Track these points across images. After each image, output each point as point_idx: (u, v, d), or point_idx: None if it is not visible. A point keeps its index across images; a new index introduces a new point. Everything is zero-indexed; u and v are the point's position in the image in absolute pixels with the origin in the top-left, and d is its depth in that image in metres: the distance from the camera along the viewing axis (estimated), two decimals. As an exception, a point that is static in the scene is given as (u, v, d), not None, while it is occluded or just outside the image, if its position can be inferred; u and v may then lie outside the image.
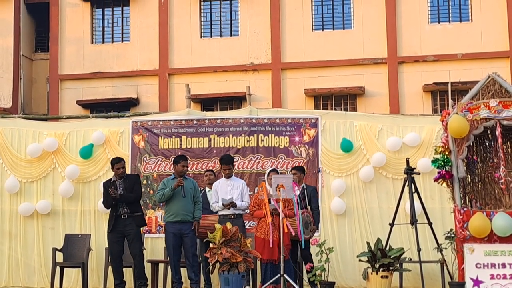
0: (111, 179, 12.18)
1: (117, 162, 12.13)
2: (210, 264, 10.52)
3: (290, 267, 11.13)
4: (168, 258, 11.90)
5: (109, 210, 12.12)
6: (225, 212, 11.84)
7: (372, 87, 22.40)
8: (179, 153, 13.61)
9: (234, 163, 12.52)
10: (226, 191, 11.93)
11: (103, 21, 24.48)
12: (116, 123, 14.54)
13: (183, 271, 11.93)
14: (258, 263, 12.07)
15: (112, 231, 11.85)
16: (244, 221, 12.27)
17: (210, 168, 13.52)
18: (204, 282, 11.99)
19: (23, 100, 24.17)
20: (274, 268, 11.16)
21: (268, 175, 11.83)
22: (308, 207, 12.00)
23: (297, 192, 12.05)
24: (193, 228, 11.47)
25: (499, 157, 10.29)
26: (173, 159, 12.21)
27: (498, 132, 10.10)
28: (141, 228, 12.32)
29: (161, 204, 12.61)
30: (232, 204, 11.75)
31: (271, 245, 10.94)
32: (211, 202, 12.08)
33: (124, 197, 11.82)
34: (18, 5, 24.38)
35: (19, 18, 24.43)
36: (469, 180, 10.62)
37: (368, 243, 11.02)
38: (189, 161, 12.31)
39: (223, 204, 11.77)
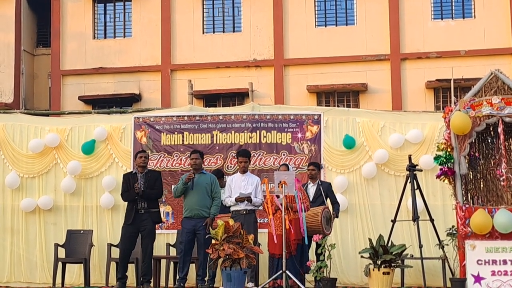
0: (132, 171, 12.21)
1: (139, 152, 12.27)
2: (212, 260, 10.52)
3: (293, 263, 11.15)
4: (178, 253, 11.91)
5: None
6: (238, 207, 11.86)
7: (375, 83, 22.39)
8: (182, 149, 13.67)
9: (251, 158, 12.53)
10: (240, 187, 11.93)
11: (105, 16, 24.47)
12: (118, 119, 14.54)
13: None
14: (261, 258, 12.11)
15: (130, 224, 11.85)
16: (257, 218, 12.26)
17: (213, 164, 13.55)
18: (208, 277, 12.02)
19: (25, 96, 24.17)
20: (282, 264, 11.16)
21: (279, 169, 11.91)
22: (327, 202, 12.09)
23: (313, 189, 12.15)
24: (204, 224, 11.48)
25: (501, 154, 10.28)
26: None
27: (500, 129, 10.08)
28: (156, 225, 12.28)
29: (177, 198, 12.54)
30: (248, 199, 11.76)
31: (275, 241, 10.98)
32: (224, 197, 12.07)
33: (147, 194, 11.85)
34: (20, 0, 24.36)
35: (20, 13, 24.41)
36: (471, 177, 10.60)
37: (370, 240, 11.02)
38: (201, 155, 12.18)
39: (236, 199, 11.79)
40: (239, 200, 11.80)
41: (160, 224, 12.67)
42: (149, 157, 13.05)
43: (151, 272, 12.02)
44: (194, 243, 11.65)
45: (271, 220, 11.29)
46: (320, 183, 12.40)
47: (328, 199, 12.35)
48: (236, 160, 12.50)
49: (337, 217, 12.41)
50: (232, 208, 11.94)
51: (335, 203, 12.42)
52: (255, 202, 11.91)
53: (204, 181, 11.68)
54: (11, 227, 13.95)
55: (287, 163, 13.06)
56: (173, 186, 11.90)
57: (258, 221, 12.38)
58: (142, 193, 11.76)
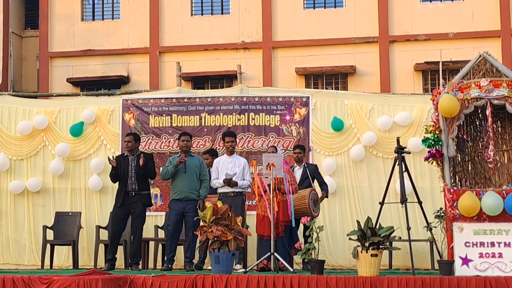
0: (123, 153, 12.17)
1: (127, 135, 12.24)
2: (201, 242, 10.53)
3: (283, 244, 11.17)
4: (165, 235, 11.90)
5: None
6: (225, 190, 11.83)
7: (363, 66, 22.39)
8: (170, 132, 13.66)
9: (236, 139, 12.48)
10: (227, 168, 11.87)
11: (94, -2, 24.38)
12: (107, 101, 14.52)
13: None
14: (249, 241, 12.12)
15: (119, 207, 11.82)
16: (245, 200, 12.24)
17: (201, 146, 13.54)
18: (199, 259, 12.04)
19: (13, 78, 24.07)
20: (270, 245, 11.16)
21: (267, 151, 11.91)
22: (314, 184, 12.11)
23: (300, 171, 12.17)
24: (198, 206, 11.47)
25: (488, 137, 10.30)
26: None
27: (488, 112, 10.09)
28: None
29: (166, 181, 12.49)
30: (232, 183, 11.73)
31: (273, 221, 11.01)
32: (211, 179, 12.04)
33: (145, 170, 11.79)
34: (8, -18, 24.23)
35: (8, -5, 24.28)
36: (459, 159, 10.62)
37: (358, 222, 11.01)
38: (190, 137, 12.16)
39: (223, 180, 11.76)
40: (226, 181, 11.77)
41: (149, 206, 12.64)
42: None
43: (140, 254, 12.03)
44: (182, 225, 11.65)
45: (265, 201, 11.30)
46: (306, 165, 12.43)
47: (315, 181, 12.40)
48: (223, 141, 12.41)
49: (327, 196, 12.48)
50: (219, 190, 11.92)
51: (323, 184, 12.52)
52: (242, 184, 11.89)
53: (193, 163, 11.67)
54: (0, 209, 13.92)
55: (275, 145, 13.08)
56: (161, 168, 11.87)
57: (246, 203, 12.39)
58: (142, 166, 11.70)
